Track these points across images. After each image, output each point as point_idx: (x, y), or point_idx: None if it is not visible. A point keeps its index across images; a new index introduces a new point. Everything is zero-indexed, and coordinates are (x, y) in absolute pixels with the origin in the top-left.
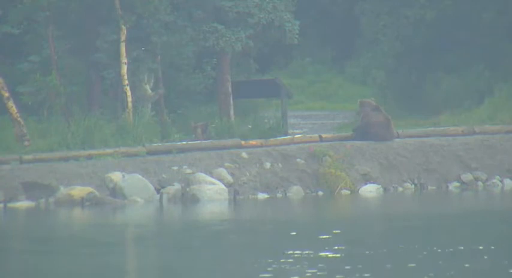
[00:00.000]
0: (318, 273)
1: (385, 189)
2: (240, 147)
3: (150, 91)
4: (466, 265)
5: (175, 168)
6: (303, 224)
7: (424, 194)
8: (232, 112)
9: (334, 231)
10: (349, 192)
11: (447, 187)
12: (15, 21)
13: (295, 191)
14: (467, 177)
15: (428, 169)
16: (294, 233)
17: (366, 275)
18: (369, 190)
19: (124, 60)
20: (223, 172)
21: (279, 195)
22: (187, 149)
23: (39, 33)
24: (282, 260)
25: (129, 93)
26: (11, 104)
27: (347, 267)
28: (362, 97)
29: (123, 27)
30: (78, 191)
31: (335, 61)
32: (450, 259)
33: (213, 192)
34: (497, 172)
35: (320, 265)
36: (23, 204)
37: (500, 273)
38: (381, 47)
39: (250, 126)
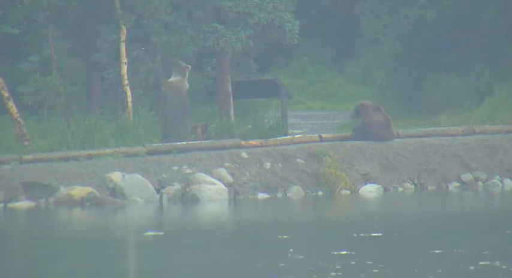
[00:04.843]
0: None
1: (385, 189)
2: (240, 147)
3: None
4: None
5: (175, 168)
6: (307, 225)
7: (424, 194)
8: (232, 112)
9: (337, 232)
10: (349, 192)
11: (447, 187)
12: (15, 21)
13: (295, 191)
14: (467, 177)
15: (428, 169)
16: (298, 234)
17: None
18: (369, 190)
19: (124, 60)
20: (223, 172)
21: (279, 195)
22: (187, 149)
23: (39, 33)
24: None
25: (129, 93)
26: (11, 104)
27: (360, 268)
28: (362, 97)
29: (123, 27)
30: (78, 191)
31: (335, 61)
32: (452, 260)
33: (213, 192)
34: (497, 172)
35: (337, 266)
36: (23, 203)
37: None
38: (380, 47)
39: (250, 126)
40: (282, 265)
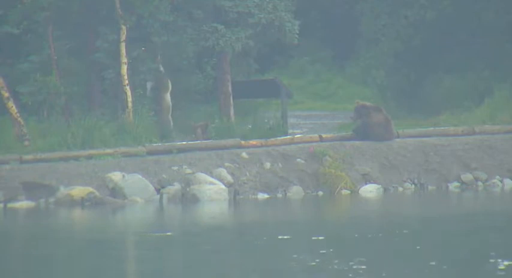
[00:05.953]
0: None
1: (385, 189)
2: (240, 147)
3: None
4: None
5: (175, 168)
6: (307, 225)
7: (424, 194)
8: (232, 112)
9: (340, 233)
10: (349, 192)
11: (447, 187)
12: (15, 21)
13: (295, 191)
14: (467, 177)
15: (428, 169)
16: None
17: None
18: (369, 190)
19: (124, 60)
20: (223, 172)
21: (279, 195)
22: (187, 149)
23: (39, 33)
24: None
25: (129, 93)
26: (11, 104)
27: (359, 268)
28: (362, 97)
29: (123, 27)
30: (78, 191)
31: (335, 61)
32: (453, 260)
33: (213, 192)
34: (497, 172)
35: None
36: (23, 204)
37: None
38: (380, 47)
39: (250, 126)
40: (282, 265)
